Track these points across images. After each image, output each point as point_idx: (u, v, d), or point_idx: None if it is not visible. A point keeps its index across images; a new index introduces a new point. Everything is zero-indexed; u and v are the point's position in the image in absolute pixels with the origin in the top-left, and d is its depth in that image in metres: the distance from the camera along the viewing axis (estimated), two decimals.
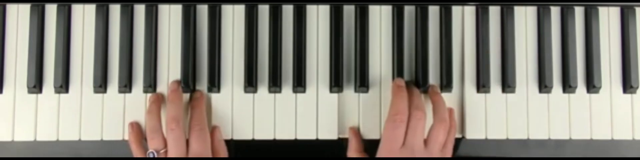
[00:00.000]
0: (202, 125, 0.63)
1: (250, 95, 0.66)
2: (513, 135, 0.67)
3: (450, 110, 0.66)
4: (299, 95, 0.67)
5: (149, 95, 0.66)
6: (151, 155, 0.62)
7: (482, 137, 0.66)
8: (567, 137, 0.67)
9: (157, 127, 0.63)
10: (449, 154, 0.64)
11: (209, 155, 0.62)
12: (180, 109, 0.64)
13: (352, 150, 0.65)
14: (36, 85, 0.65)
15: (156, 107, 0.65)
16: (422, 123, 0.62)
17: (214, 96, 0.66)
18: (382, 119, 0.66)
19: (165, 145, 0.62)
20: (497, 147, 0.69)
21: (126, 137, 0.65)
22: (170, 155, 0.62)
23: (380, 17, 0.68)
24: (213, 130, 0.65)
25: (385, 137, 0.62)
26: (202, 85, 0.66)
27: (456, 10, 0.68)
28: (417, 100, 0.64)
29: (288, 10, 0.68)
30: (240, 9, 0.68)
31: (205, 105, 0.66)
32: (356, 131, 0.66)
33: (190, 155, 0.62)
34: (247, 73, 0.66)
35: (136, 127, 0.65)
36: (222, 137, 0.65)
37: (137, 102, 0.66)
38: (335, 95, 0.67)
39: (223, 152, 0.65)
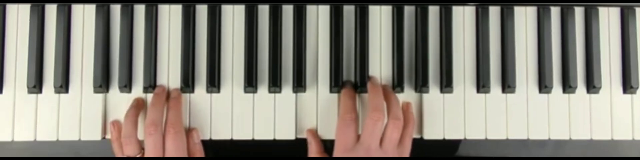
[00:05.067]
0: (178, 128, 0.63)
1: (250, 95, 0.66)
2: (513, 136, 0.67)
3: (407, 105, 0.67)
4: (299, 95, 0.67)
5: (149, 95, 0.66)
6: None
7: (482, 137, 0.66)
8: (567, 138, 0.67)
9: (133, 133, 0.63)
10: (407, 151, 0.64)
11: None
12: (160, 113, 0.63)
13: (313, 152, 0.65)
14: (36, 85, 0.65)
15: (134, 112, 0.64)
16: (380, 124, 0.62)
17: (214, 96, 0.66)
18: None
19: (140, 152, 0.62)
20: (497, 147, 0.69)
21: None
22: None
23: (380, 17, 0.68)
24: (190, 132, 0.65)
25: (337, 137, 0.63)
26: (202, 85, 0.66)
27: (456, 10, 0.68)
28: (377, 100, 0.63)
29: (288, 10, 0.68)
30: (240, 9, 0.68)
31: (206, 105, 0.66)
32: (313, 132, 0.66)
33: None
34: (247, 73, 0.66)
35: (118, 126, 0.65)
36: (199, 139, 0.65)
37: None
38: (335, 95, 0.67)
39: (199, 156, 0.64)
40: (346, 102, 0.64)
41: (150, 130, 0.61)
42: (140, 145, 0.63)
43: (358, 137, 0.62)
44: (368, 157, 0.61)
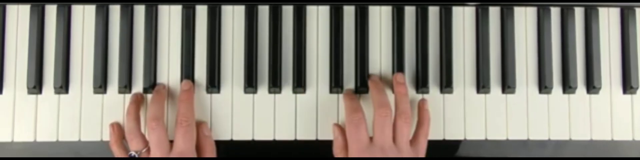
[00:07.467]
0: (190, 121, 0.62)
1: (250, 95, 0.66)
2: (513, 136, 0.67)
3: (423, 102, 0.66)
4: (299, 95, 0.67)
5: (149, 95, 0.66)
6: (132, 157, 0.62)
7: (482, 137, 0.66)
8: (567, 138, 0.67)
9: (136, 128, 0.63)
10: (423, 148, 0.64)
11: (193, 153, 0.62)
12: (161, 108, 0.63)
13: (338, 147, 0.64)
14: (36, 85, 0.65)
15: (135, 108, 0.64)
16: (389, 120, 0.61)
17: (214, 97, 0.66)
18: None
19: (146, 145, 0.62)
20: (497, 147, 0.69)
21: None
22: (153, 155, 0.61)
23: (380, 18, 0.68)
24: (200, 126, 0.64)
25: (349, 139, 0.62)
26: (202, 85, 0.66)
27: (456, 10, 0.68)
28: (381, 97, 0.63)
29: (288, 11, 0.68)
30: (240, 9, 0.67)
31: (206, 105, 0.66)
32: (341, 128, 0.65)
33: (174, 153, 0.61)
34: (247, 73, 0.66)
35: (117, 128, 0.64)
36: (210, 133, 0.65)
37: None
38: (335, 95, 0.67)
39: (210, 149, 0.64)
40: (349, 103, 0.64)
41: (152, 125, 0.61)
42: (146, 140, 0.62)
43: (370, 138, 0.62)
44: (360, 157, 0.60)
